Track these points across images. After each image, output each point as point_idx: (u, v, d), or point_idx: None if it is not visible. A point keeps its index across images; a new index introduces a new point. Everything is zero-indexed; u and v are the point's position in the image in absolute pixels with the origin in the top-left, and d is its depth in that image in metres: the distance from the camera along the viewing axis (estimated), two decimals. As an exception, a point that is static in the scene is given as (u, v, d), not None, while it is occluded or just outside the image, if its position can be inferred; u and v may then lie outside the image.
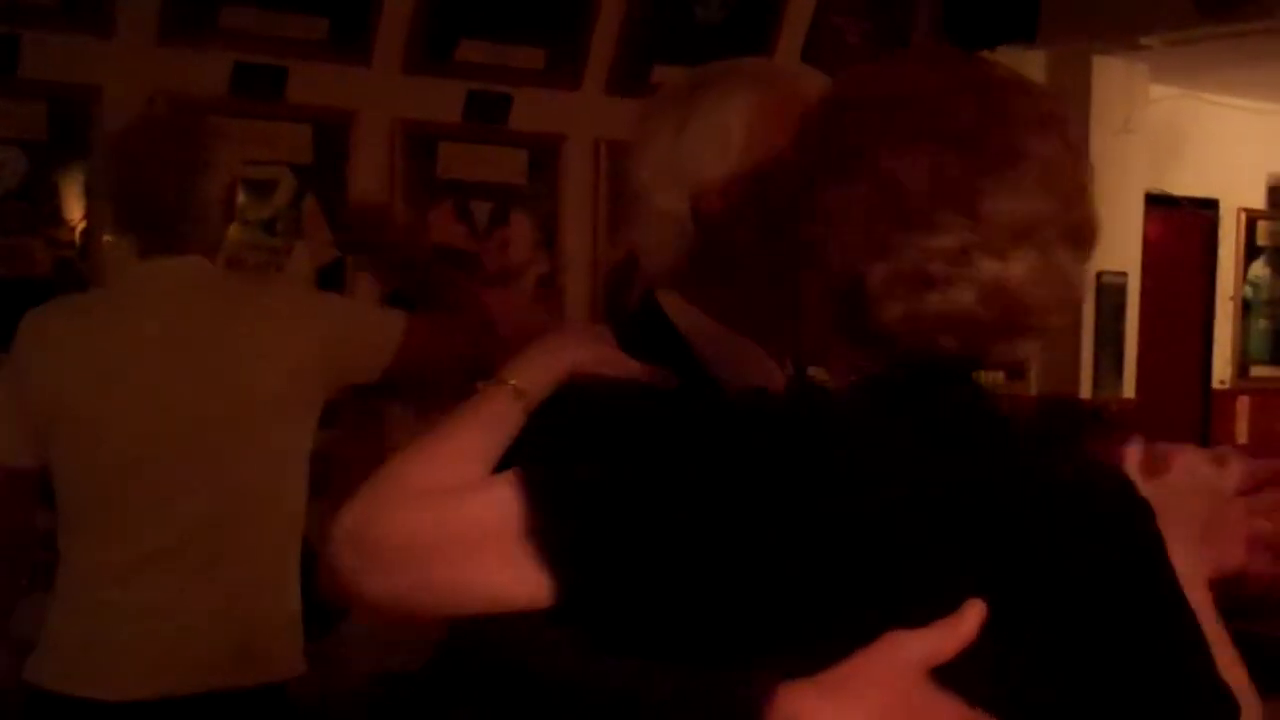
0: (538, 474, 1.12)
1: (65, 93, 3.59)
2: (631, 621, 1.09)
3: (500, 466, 1.18)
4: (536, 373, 1.27)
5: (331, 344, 2.37)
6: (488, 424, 1.23)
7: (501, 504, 1.10)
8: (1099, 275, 5.47)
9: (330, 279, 3.96)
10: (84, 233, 3.62)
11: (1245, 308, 6.91)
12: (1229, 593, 1.31)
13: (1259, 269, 6.96)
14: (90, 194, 3.60)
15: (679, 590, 1.08)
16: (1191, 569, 1.20)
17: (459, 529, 1.11)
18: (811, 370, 1.42)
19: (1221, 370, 6.84)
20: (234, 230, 3.77)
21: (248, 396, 2.32)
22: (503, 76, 4.23)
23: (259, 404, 2.32)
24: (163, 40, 3.69)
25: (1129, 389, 5.78)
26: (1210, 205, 6.68)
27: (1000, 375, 5.28)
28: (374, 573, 1.13)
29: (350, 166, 3.99)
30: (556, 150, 4.37)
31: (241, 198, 3.77)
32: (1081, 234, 1.13)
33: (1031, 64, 5.36)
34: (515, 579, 1.09)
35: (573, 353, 1.31)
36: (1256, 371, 6.97)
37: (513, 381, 1.26)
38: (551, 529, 1.08)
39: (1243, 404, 6.83)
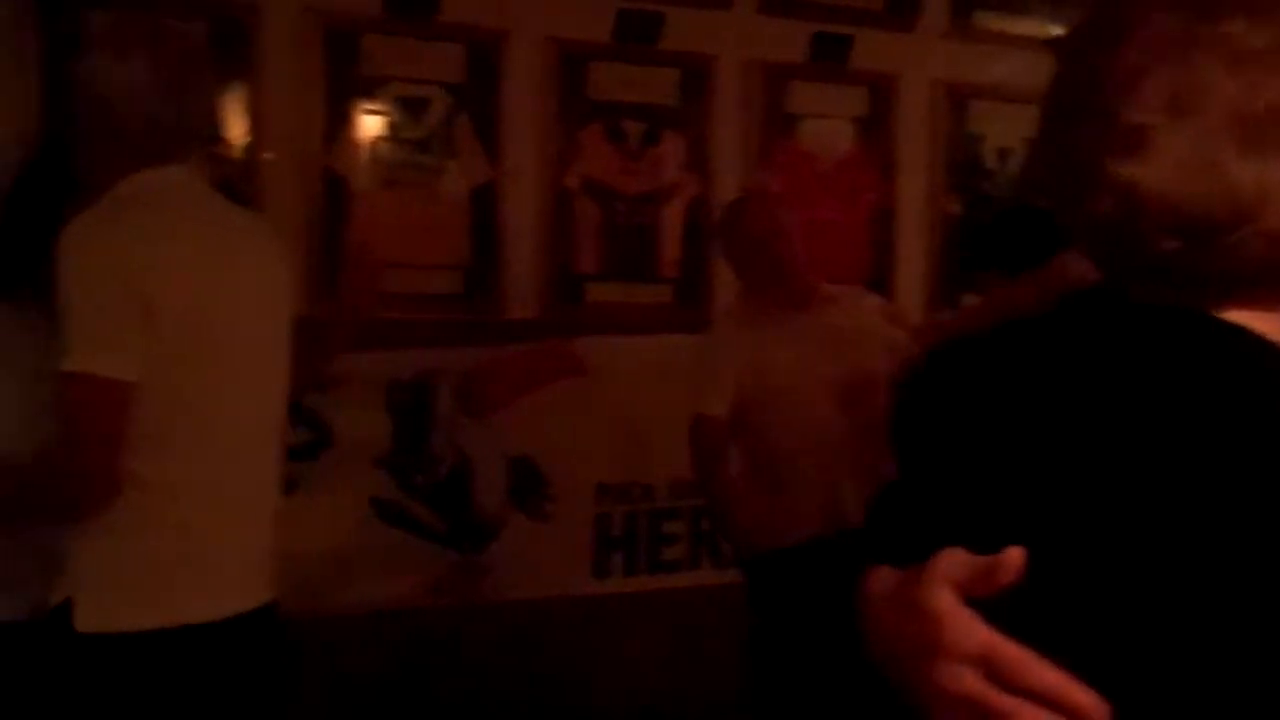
0: None
1: (228, 10, 3.67)
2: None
3: None
4: None
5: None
6: None
7: None
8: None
9: (482, 202, 3.99)
10: (246, 149, 3.69)
11: None
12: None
13: None
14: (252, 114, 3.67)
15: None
16: None
17: None
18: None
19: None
20: (388, 149, 3.83)
21: (281, 320, 2.38)
22: (654, -4, 4.20)
23: (285, 330, 2.38)
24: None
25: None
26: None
27: None
28: None
29: (502, 86, 4.00)
30: (708, 71, 4.33)
31: (395, 116, 3.85)
32: None
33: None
34: None
35: None
36: None
37: None
38: None
39: None
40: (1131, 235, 0.99)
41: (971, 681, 0.90)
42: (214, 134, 3.60)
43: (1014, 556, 0.91)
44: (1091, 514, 0.94)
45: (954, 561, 0.94)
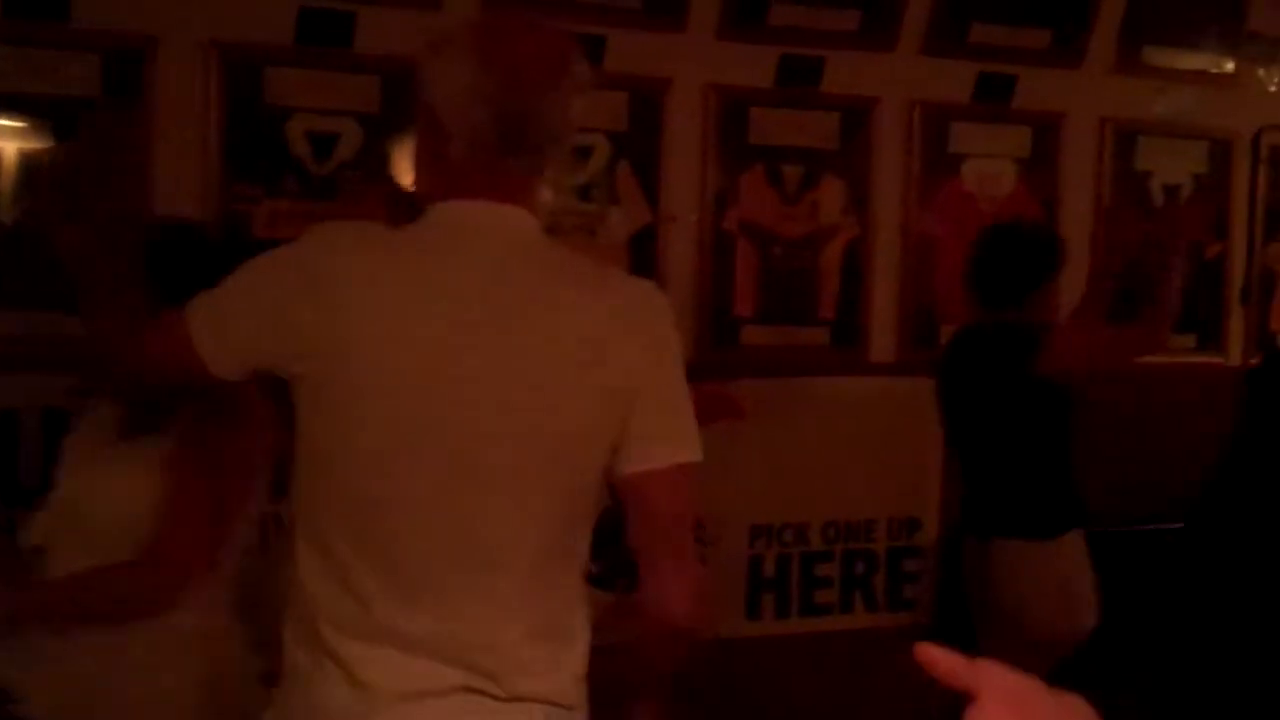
0: None
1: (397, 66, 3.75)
2: None
3: None
4: None
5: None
6: None
7: None
8: None
9: (641, 246, 4.04)
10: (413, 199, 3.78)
11: None
12: None
13: None
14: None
15: None
16: None
17: None
18: None
19: None
20: (550, 196, 3.90)
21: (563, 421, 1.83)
22: (816, 40, 4.21)
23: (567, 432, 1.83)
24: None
25: None
26: None
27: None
28: None
29: (664, 133, 4.05)
30: (869, 113, 4.32)
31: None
32: None
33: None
34: None
35: None
36: None
37: None
38: None
39: None
40: None
41: None
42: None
43: None
44: None
45: None
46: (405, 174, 3.80)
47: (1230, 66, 4.84)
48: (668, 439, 1.87)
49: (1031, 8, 4.47)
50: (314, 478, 1.82)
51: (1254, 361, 4.77)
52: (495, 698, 1.77)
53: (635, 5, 3.98)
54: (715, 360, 4.13)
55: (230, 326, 1.81)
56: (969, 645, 3.75)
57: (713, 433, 4.28)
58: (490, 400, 1.74)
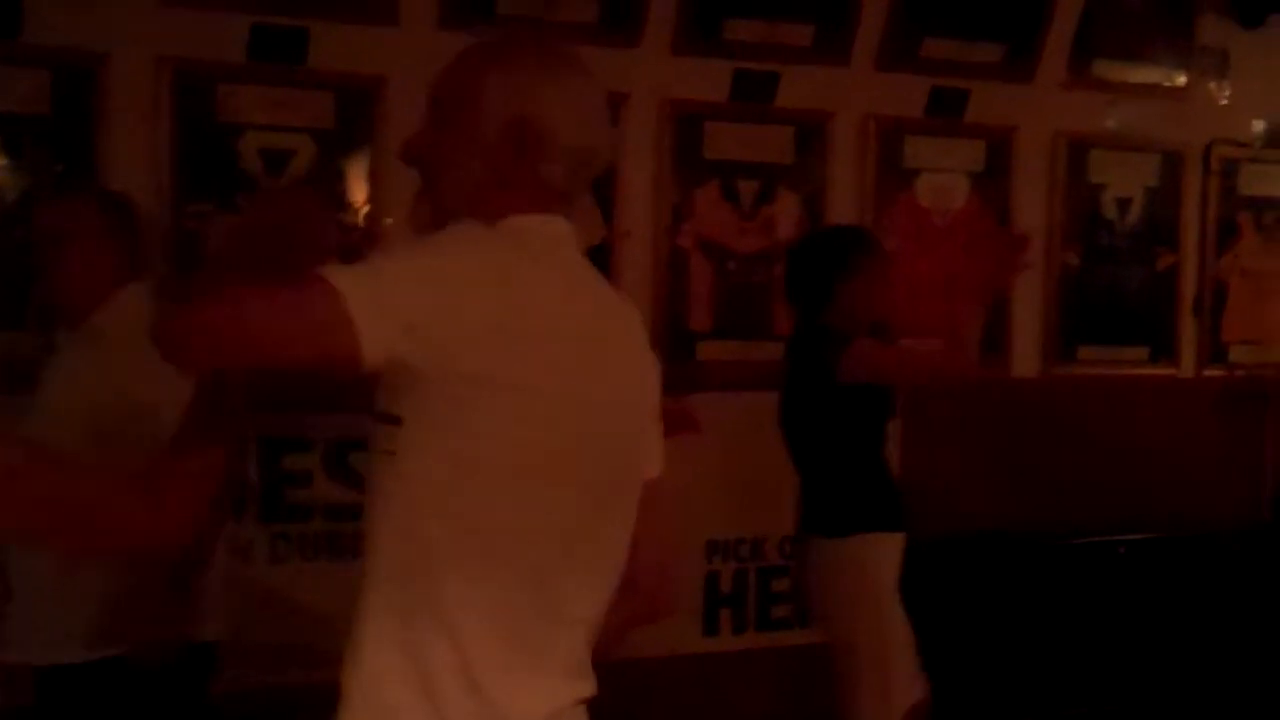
0: None
1: (352, 82, 3.74)
2: None
3: None
4: None
5: None
6: None
7: None
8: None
9: (596, 262, 4.02)
10: (368, 216, 3.77)
11: None
12: None
13: None
14: (374, 179, 3.75)
15: None
16: None
17: None
18: None
19: None
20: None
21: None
22: (770, 54, 4.22)
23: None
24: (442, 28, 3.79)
25: None
26: None
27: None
28: None
29: (620, 148, 4.04)
30: (823, 127, 4.33)
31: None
32: None
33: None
34: None
35: None
36: None
37: None
38: None
39: None
40: None
41: None
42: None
43: None
44: None
45: None
46: (359, 191, 3.79)
47: (1181, 80, 4.89)
48: (658, 453, 1.92)
49: (984, 23, 4.49)
50: (461, 491, 1.64)
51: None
52: (585, 703, 1.80)
53: (591, 20, 3.98)
54: (671, 375, 4.08)
55: (397, 302, 1.55)
56: (931, 666, 3.75)
57: (668, 447, 4.27)
58: (608, 423, 1.74)
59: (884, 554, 3.48)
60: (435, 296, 1.57)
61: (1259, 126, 5.04)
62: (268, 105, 3.68)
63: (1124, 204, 4.86)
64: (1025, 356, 4.69)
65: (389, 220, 3.70)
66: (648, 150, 4.10)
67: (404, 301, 1.55)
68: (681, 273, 4.18)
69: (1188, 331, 4.99)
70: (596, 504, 1.74)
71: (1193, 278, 4.99)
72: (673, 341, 4.15)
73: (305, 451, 3.80)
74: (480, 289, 1.59)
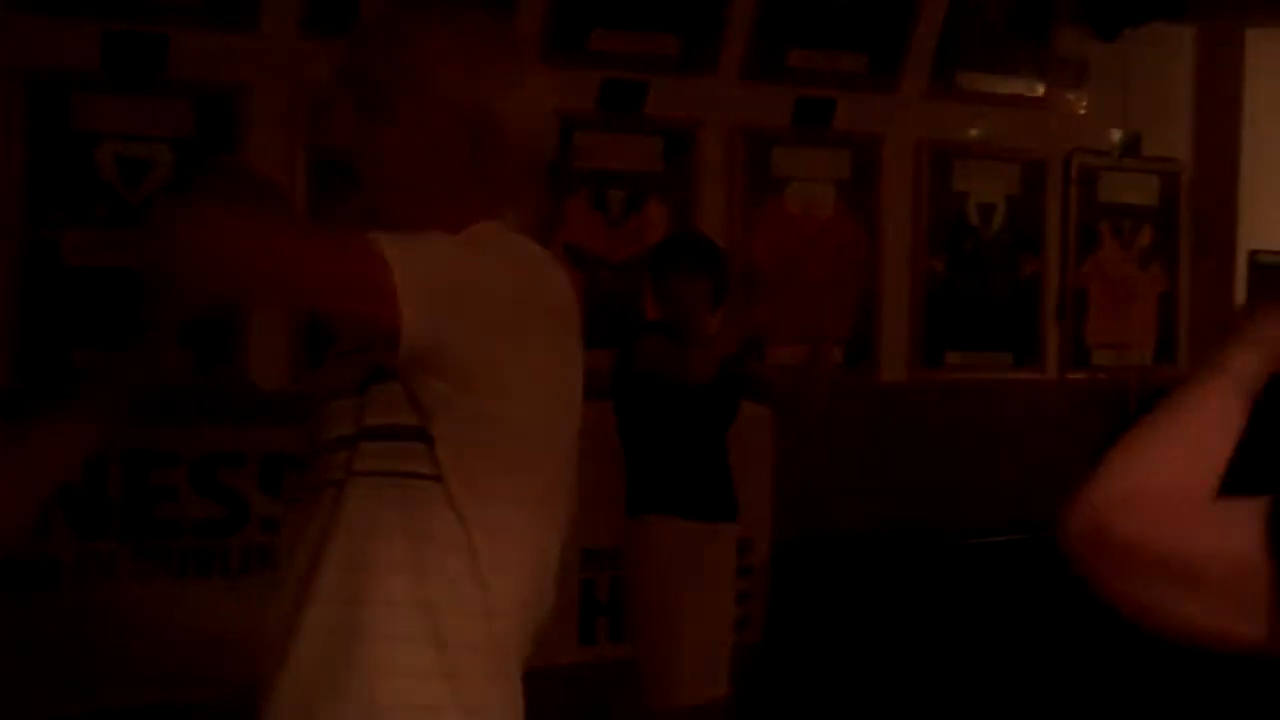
0: None
1: (212, 90, 3.69)
2: None
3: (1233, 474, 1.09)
4: (1253, 359, 1.13)
5: None
6: (1214, 422, 1.12)
7: (1243, 541, 1.01)
8: (1254, 254, 5.30)
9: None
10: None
11: None
12: None
13: None
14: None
15: None
16: None
17: (1190, 557, 1.05)
18: None
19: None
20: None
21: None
22: (638, 64, 4.24)
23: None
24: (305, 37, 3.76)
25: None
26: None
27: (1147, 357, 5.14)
28: (1108, 573, 1.12)
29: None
30: (692, 137, 4.37)
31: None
32: None
33: (1181, 39, 5.22)
34: (1239, 622, 1.02)
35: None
36: None
37: (1232, 368, 1.12)
38: None
39: None
40: None
41: None
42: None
43: None
44: None
45: None
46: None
47: (1041, 90, 5.00)
48: None
49: (848, 33, 4.56)
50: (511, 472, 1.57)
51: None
52: None
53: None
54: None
55: (442, 286, 1.44)
56: (801, 665, 3.80)
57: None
58: (573, 430, 1.70)
59: (666, 539, 3.52)
60: (471, 284, 1.48)
61: (1117, 136, 5.18)
62: (125, 113, 3.62)
63: (987, 212, 4.96)
64: (893, 362, 4.76)
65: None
66: (516, 159, 4.09)
67: (442, 282, 1.45)
68: (552, 282, 4.17)
69: (1051, 336, 5.10)
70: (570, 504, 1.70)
71: (1055, 283, 5.10)
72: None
73: (172, 467, 3.74)
74: (511, 282, 1.53)
